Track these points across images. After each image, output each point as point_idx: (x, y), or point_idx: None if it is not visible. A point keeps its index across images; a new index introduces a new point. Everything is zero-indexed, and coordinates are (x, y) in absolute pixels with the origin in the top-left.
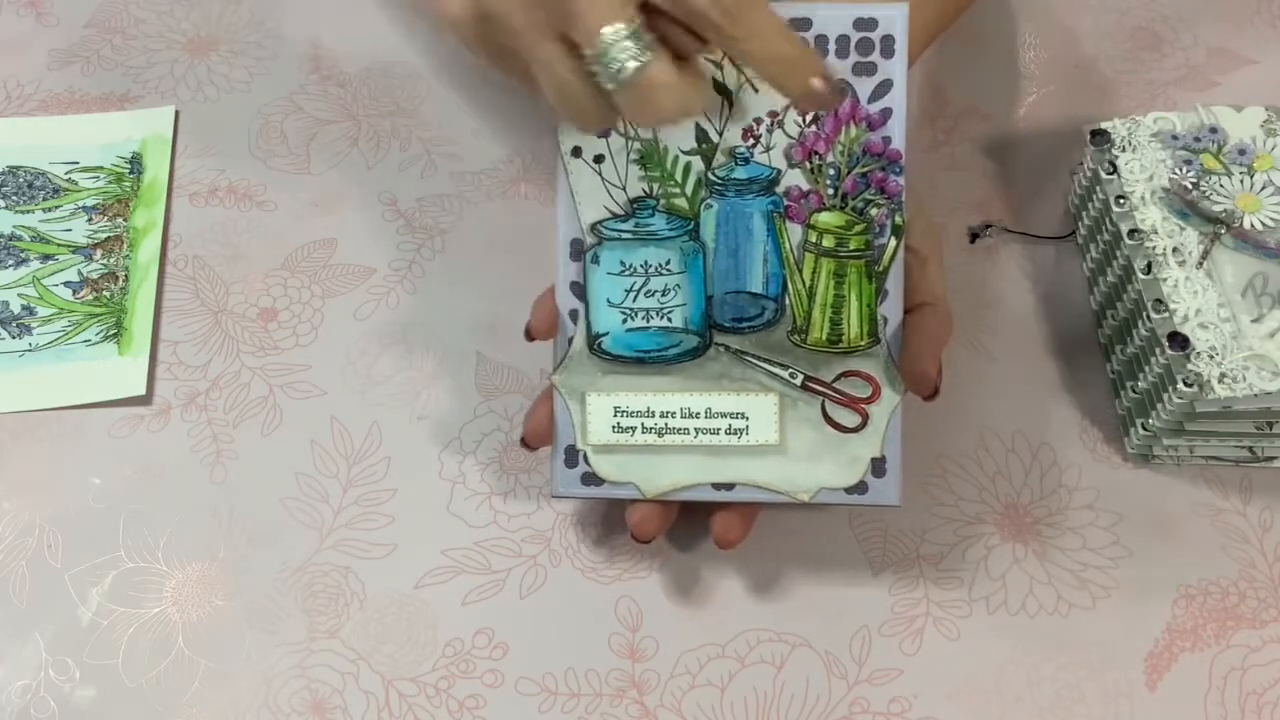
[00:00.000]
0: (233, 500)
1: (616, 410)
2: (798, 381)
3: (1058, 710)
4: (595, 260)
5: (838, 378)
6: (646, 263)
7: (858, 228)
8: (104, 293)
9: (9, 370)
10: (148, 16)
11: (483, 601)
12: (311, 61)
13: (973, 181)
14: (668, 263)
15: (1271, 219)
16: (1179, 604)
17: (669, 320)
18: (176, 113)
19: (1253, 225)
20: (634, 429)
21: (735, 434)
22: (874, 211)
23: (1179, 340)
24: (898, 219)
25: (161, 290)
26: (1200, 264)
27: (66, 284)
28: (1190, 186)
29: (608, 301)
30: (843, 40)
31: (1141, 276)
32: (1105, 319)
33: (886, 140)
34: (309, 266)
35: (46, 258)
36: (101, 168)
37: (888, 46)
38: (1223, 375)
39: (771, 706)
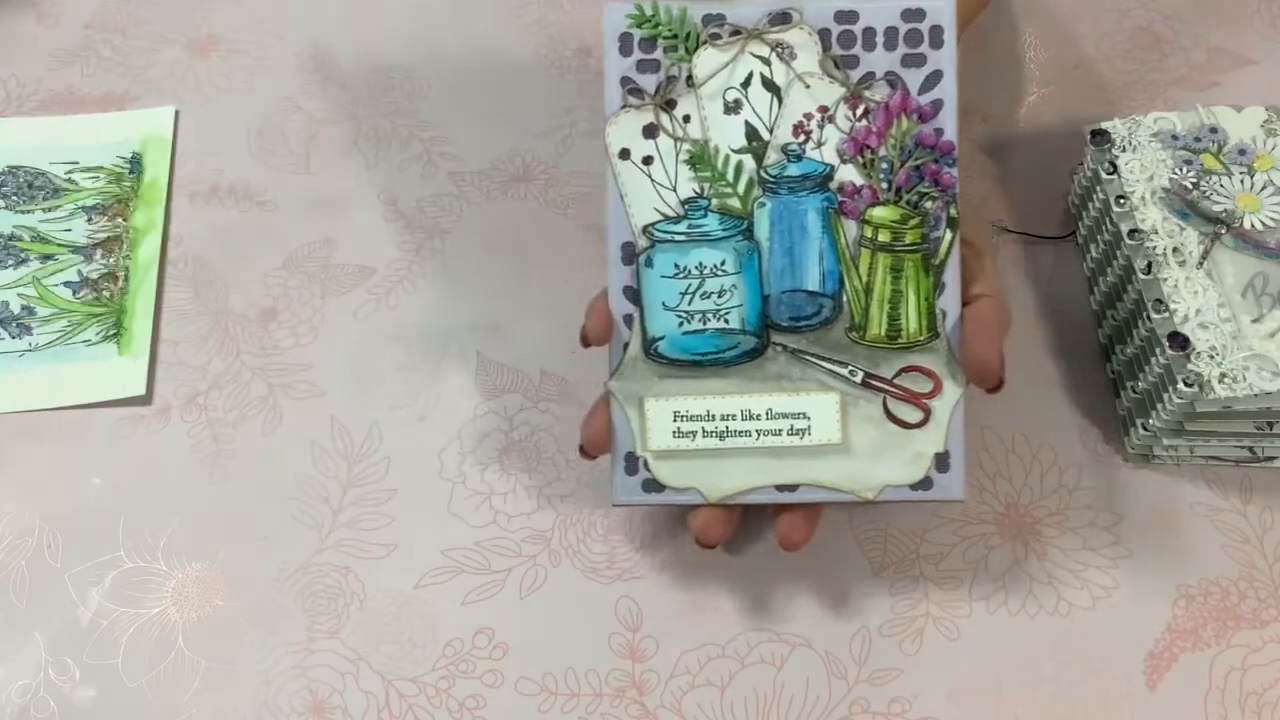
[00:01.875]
0: (233, 500)
1: (676, 415)
2: (858, 379)
3: (1058, 710)
4: (649, 263)
5: (898, 374)
6: (701, 264)
7: (913, 221)
8: (104, 293)
9: (9, 370)
10: (148, 16)
11: (483, 601)
12: (311, 61)
13: (973, 181)
14: (722, 263)
15: (1271, 219)
16: (1179, 604)
17: (726, 321)
18: (176, 113)
19: (1253, 225)
20: (695, 433)
21: (797, 434)
22: (929, 205)
23: (1179, 340)
24: (953, 211)
25: (161, 290)
26: (1200, 264)
27: (66, 284)
28: (1190, 186)
29: (663, 305)
30: (890, 32)
31: (1141, 276)
32: (1105, 319)
33: (939, 132)
34: (309, 266)
35: (46, 258)
36: (101, 168)
37: (936, 37)
38: (1223, 375)
39: (771, 706)
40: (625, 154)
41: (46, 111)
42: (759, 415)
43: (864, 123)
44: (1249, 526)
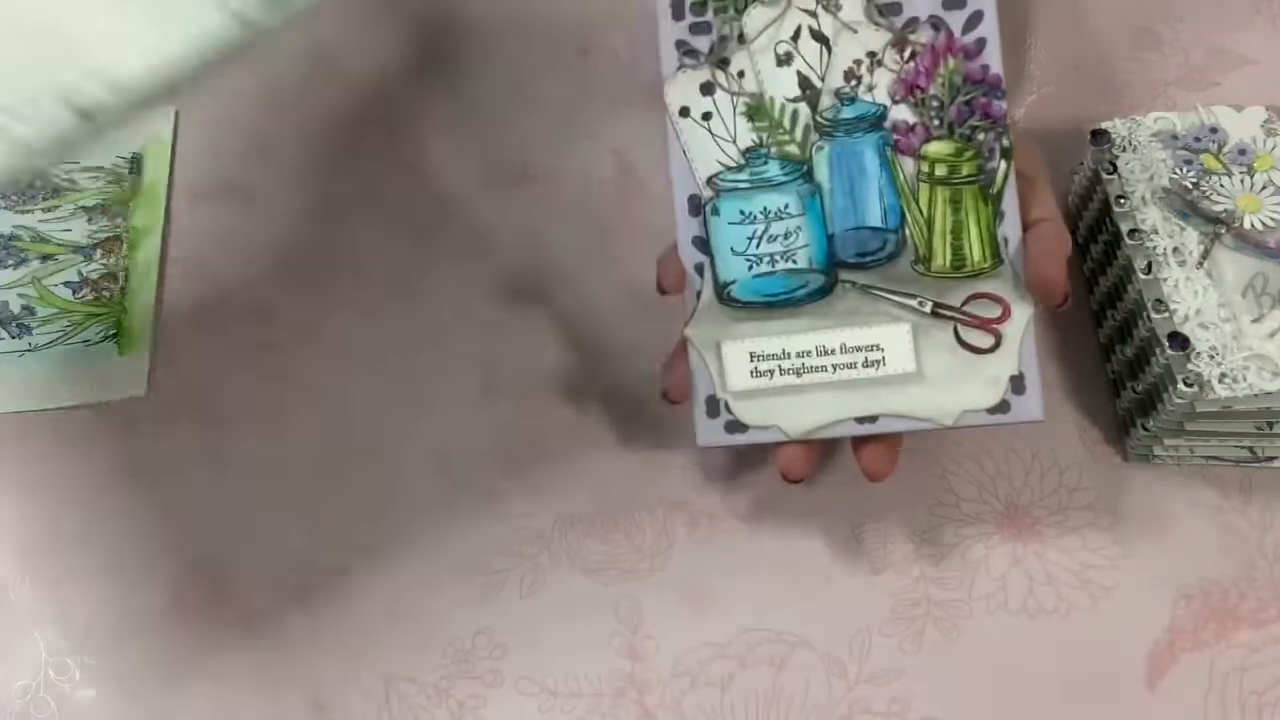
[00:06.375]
0: (233, 500)
1: (752, 355)
2: (927, 309)
3: (1058, 710)
4: (715, 212)
5: (966, 301)
6: (765, 209)
7: (968, 154)
8: (104, 293)
9: (9, 370)
10: None
11: (483, 601)
12: (311, 61)
13: None
14: (786, 206)
15: (1271, 219)
16: (1179, 604)
17: (794, 262)
18: (176, 113)
19: (1253, 225)
20: (772, 372)
21: (872, 366)
22: (981, 137)
23: (1179, 340)
24: (1005, 141)
25: (161, 290)
26: (1200, 264)
27: (66, 284)
28: (1190, 186)
29: (731, 250)
30: None
31: (1141, 276)
32: (1105, 319)
33: (985, 68)
34: (309, 266)
35: (46, 258)
36: (101, 168)
37: None
38: (1223, 375)
39: (771, 706)
40: (685, 112)
41: None
42: (833, 350)
43: (912, 64)
44: (1249, 526)
